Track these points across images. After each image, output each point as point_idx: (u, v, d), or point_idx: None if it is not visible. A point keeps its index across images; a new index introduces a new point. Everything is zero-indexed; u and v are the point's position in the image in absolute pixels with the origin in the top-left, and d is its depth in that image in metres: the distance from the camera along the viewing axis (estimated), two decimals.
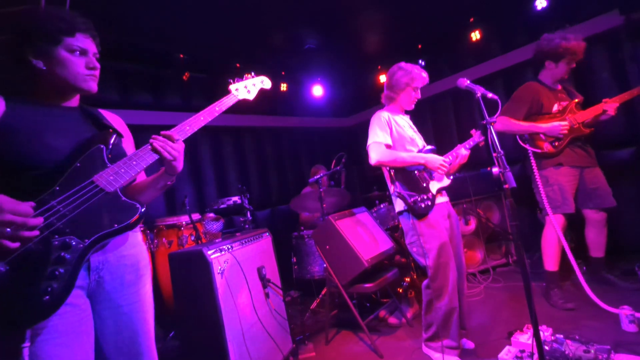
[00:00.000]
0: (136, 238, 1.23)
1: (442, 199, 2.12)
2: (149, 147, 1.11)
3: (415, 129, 2.29)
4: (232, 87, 1.46)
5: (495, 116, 1.58)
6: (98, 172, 1.04)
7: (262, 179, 4.74)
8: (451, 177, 2.11)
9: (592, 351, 1.72)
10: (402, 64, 2.18)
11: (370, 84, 5.07)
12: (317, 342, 2.54)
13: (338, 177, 3.13)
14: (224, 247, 1.95)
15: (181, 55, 3.69)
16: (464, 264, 2.13)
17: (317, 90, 4.92)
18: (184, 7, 2.90)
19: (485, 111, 1.60)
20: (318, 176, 2.93)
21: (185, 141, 1.20)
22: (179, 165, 1.16)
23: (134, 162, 1.08)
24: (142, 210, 1.08)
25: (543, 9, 3.44)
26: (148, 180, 1.23)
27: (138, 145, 1.20)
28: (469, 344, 2.10)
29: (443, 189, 2.12)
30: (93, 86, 1.15)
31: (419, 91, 2.17)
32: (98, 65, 1.15)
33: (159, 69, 3.80)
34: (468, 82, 1.77)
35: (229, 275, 1.91)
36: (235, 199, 2.95)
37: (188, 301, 1.93)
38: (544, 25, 3.52)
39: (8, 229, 0.84)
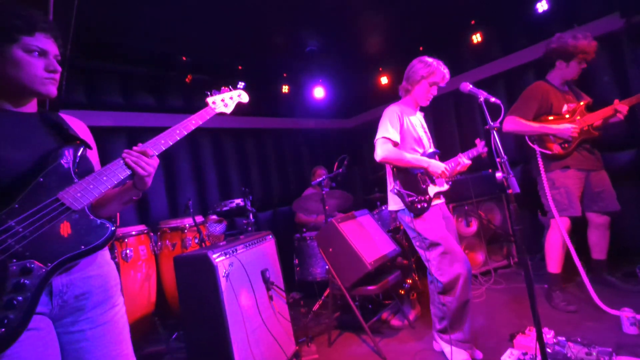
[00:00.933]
0: (104, 257, 1.14)
1: (438, 201, 2.14)
2: (121, 161, 1.04)
3: (426, 128, 2.28)
4: (209, 99, 1.41)
5: (499, 121, 1.59)
6: (64, 188, 0.95)
7: (263, 180, 4.76)
8: (449, 183, 2.12)
9: (594, 354, 1.74)
10: (424, 57, 2.11)
11: (371, 85, 5.09)
12: (320, 344, 2.55)
13: (340, 180, 3.15)
14: (229, 250, 1.97)
15: (184, 58, 3.70)
16: None
17: (319, 92, 4.94)
18: (186, 10, 2.92)
19: (488, 116, 1.62)
20: (321, 179, 2.95)
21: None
22: (150, 181, 1.11)
23: (104, 178, 1.00)
24: (113, 229, 1.00)
25: (544, 12, 3.46)
26: (113, 193, 1.15)
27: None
28: (478, 354, 2.01)
29: (440, 193, 2.14)
30: (52, 90, 1.05)
31: (436, 88, 2.11)
32: (59, 68, 1.06)
33: (162, 71, 3.81)
34: (471, 86, 1.78)
35: (233, 279, 1.92)
36: (238, 201, 2.97)
37: (193, 304, 1.94)
38: (545, 28, 3.55)
39: None
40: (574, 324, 2.21)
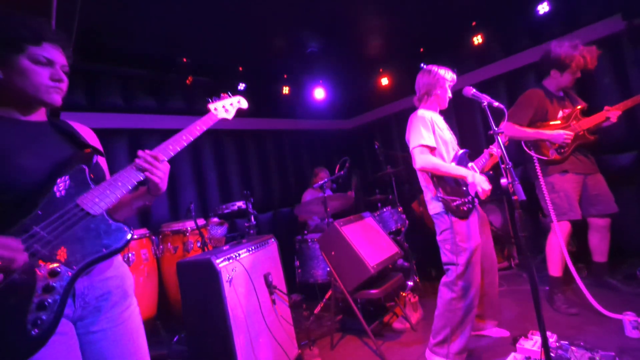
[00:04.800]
0: (119, 259, 1.18)
1: None
2: (134, 167, 1.07)
3: (450, 128, 2.30)
4: (211, 106, 1.44)
5: (502, 126, 1.60)
6: (81, 194, 0.98)
7: (264, 181, 4.75)
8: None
9: (597, 358, 1.73)
10: (425, 68, 2.23)
11: (371, 86, 5.08)
12: (323, 347, 2.55)
13: (342, 182, 3.15)
14: (232, 255, 1.97)
15: (184, 60, 3.69)
16: (495, 257, 2.28)
17: (319, 93, 4.94)
18: (187, 12, 2.91)
19: (492, 121, 1.62)
20: (322, 181, 2.94)
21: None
22: (164, 186, 1.12)
23: (120, 183, 1.03)
24: (130, 232, 1.03)
25: (545, 13, 3.46)
26: (127, 198, 1.17)
27: (140, 148, 1.15)
28: (504, 332, 2.24)
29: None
30: (57, 99, 1.05)
31: (450, 88, 2.21)
32: (65, 78, 1.06)
33: (162, 73, 3.80)
34: (474, 90, 1.79)
35: (237, 283, 1.92)
36: (240, 204, 2.95)
37: (196, 309, 1.94)
38: (546, 30, 3.55)
39: None
40: (577, 327, 2.22)
